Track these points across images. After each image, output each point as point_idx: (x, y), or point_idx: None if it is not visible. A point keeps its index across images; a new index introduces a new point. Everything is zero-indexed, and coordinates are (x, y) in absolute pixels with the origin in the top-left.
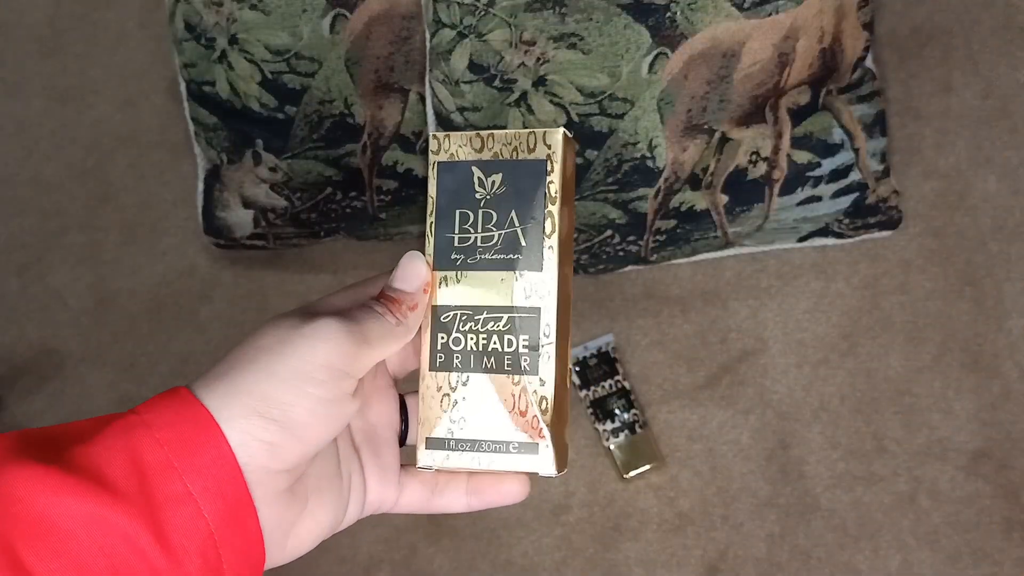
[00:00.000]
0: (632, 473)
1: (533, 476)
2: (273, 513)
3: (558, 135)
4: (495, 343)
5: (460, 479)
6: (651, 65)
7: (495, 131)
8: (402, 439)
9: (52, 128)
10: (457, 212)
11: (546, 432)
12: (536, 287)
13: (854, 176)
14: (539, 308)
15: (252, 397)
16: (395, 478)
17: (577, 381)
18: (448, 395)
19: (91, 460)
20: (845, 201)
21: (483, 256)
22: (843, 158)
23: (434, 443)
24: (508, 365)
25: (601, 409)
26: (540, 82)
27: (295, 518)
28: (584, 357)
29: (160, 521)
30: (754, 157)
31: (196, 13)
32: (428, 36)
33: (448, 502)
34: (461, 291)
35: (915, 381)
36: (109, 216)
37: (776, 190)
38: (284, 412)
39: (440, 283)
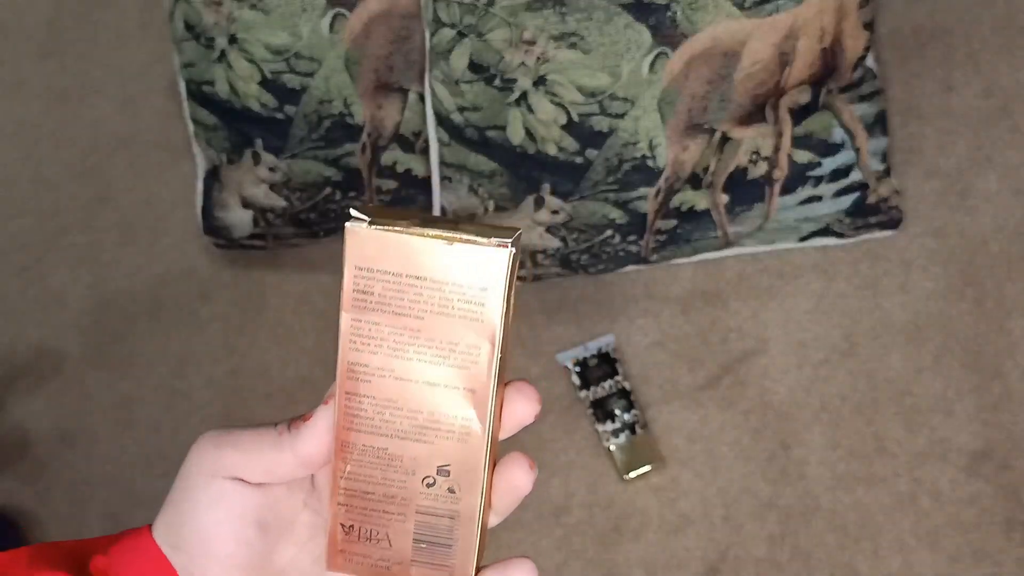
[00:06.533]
0: (632, 474)
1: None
2: None
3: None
4: None
5: None
6: (652, 65)
7: None
8: None
9: (52, 128)
10: None
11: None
12: None
13: (855, 176)
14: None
15: (162, 530)
16: None
17: (577, 381)
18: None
19: None
20: (846, 201)
21: None
22: (844, 158)
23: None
24: None
25: (601, 410)
26: (540, 81)
27: None
28: (584, 357)
29: None
30: (755, 156)
31: (196, 13)
32: (428, 35)
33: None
34: None
35: (916, 381)
36: (109, 216)
37: (777, 190)
38: (179, 534)
39: None
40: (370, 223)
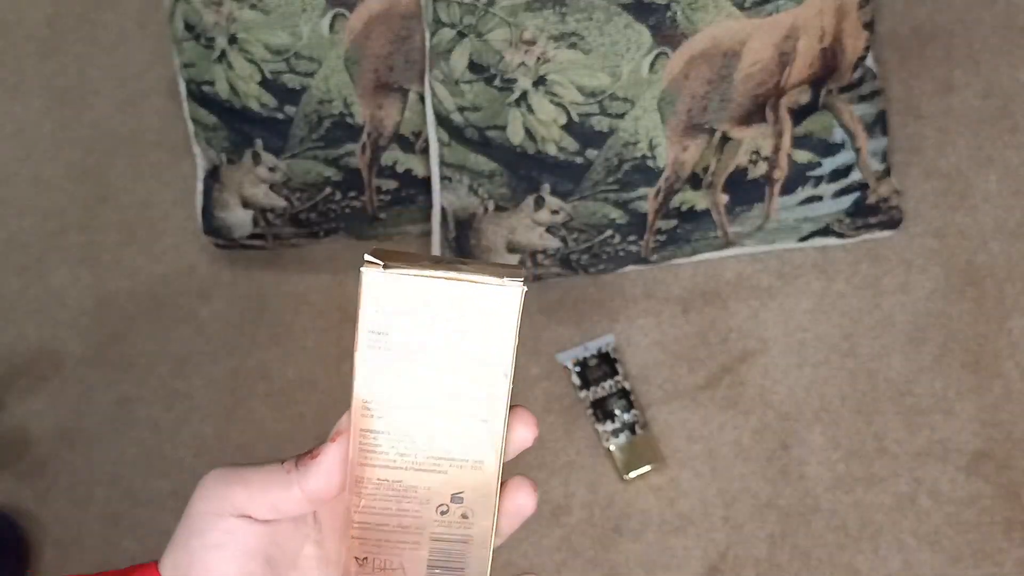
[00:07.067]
0: (632, 474)
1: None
2: None
3: None
4: None
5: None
6: (652, 65)
7: None
8: None
9: (52, 128)
10: None
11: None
12: None
13: (855, 176)
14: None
15: (169, 567)
16: None
17: (577, 382)
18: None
19: None
20: (846, 201)
21: None
22: (844, 158)
23: None
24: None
25: (601, 410)
26: (540, 82)
27: None
28: (584, 357)
29: None
30: (755, 157)
31: (196, 13)
32: (428, 35)
33: None
34: None
35: (916, 381)
36: (109, 216)
37: (777, 190)
38: (187, 571)
39: None
40: (384, 267)
